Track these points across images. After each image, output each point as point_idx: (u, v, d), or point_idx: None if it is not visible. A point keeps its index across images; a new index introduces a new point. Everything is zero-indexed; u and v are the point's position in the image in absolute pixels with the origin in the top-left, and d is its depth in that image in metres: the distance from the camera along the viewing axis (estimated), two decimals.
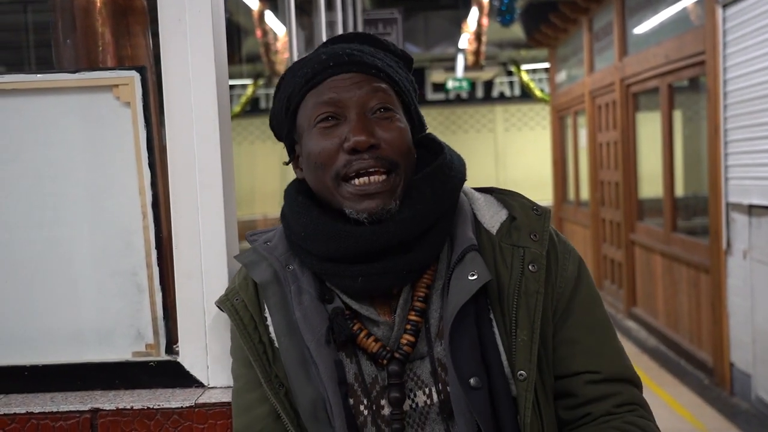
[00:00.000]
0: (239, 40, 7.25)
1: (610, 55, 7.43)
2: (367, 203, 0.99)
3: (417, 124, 1.09)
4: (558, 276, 1.07)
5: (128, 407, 1.28)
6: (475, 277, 0.98)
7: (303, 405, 1.02)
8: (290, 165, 1.15)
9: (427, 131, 1.14)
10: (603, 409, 1.03)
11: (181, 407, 1.28)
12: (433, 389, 1.02)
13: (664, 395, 4.99)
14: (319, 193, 1.05)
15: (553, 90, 10.49)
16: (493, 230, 1.07)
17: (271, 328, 1.06)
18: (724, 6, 4.58)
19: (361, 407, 1.03)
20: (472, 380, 0.96)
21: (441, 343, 1.02)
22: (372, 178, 0.99)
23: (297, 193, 1.08)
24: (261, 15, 6.61)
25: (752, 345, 4.47)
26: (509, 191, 1.15)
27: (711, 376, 5.10)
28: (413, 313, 1.02)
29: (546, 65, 11.75)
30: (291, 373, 1.03)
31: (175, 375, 1.35)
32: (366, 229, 0.99)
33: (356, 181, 0.99)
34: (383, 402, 1.03)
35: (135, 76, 1.33)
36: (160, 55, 1.30)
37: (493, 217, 1.09)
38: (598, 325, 1.08)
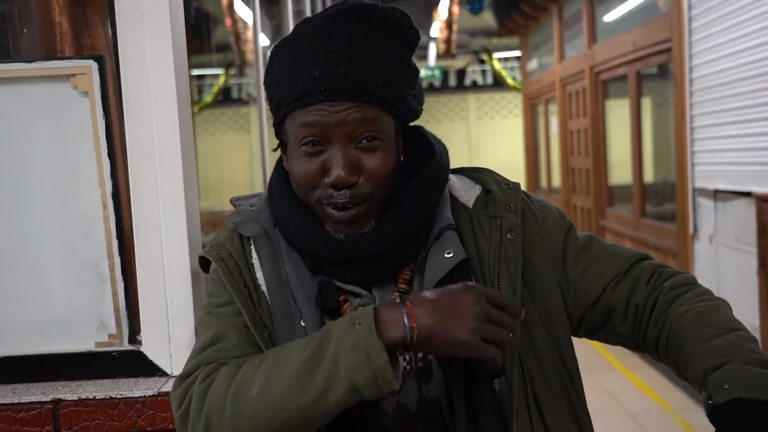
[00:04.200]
0: (209, 30, 7.18)
1: (579, 43, 7.49)
2: (343, 228, 1.04)
3: (410, 117, 1.10)
4: (543, 230, 1.14)
5: (91, 397, 1.28)
6: (451, 255, 1.05)
7: None
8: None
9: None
10: (642, 295, 1.12)
11: (144, 396, 1.28)
12: (414, 357, 1.07)
13: (634, 378, 5.07)
14: (302, 198, 1.09)
15: (525, 78, 10.54)
16: (470, 204, 1.13)
17: (258, 274, 1.09)
18: None
19: None
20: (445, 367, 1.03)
21: None
22: (346, 213, 1.03)
23: (288, 189, 1.11)
24: (230, 4, 6.55)
25: None
26: (480, 168, 1.21)
27: None
28: (397, 294, 1.07)
29: (518, 53, 11.80)
30: (277, 322, 1.06)
31: (138, 364, 1.35)
32: (353, 244, 1.05)
33: (333, 212, 1.04)
34: None
35: (92, 65, 1.32)
36: (117, 43, 1.30)
37: (468, 192, 1.15)
38: (590, 241, 1.17)
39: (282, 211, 1.10)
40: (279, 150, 1.15)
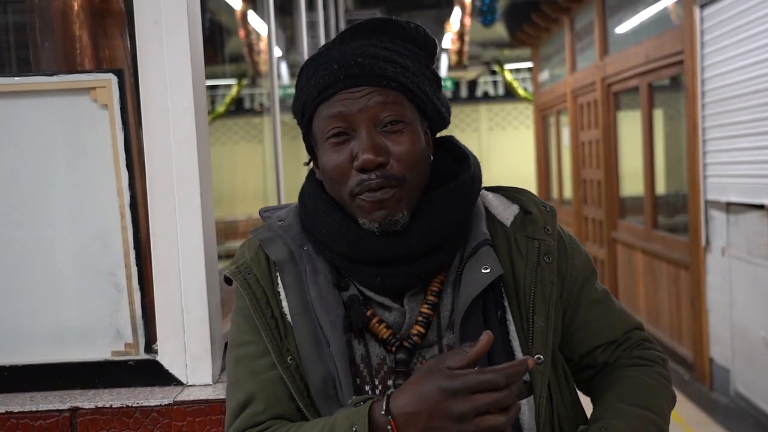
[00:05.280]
0: (222, 40, 7.24)
1: (591, 55, 7.49)
2: (377, 213, 1.02)
3: (436, 119, 1.10)
4: (568, 266, 1.13)
5: (107, 406, 1.30)
6: (488, 270, 1.03)
7: (314, 382, 1.05)
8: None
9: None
10: (615, 357, 1.17)
11: (160, 405, 1.30)
12: None
13: None
14: (335, 198, 1.09)
15: (536, 89, 10.55)
16: (507, 222, 1.12)
17: (284, 303, 1.08)
18: (702, 6, 4.63)
19: (366, 387, 1.06)
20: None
21: (451, 333, 1.06)
22: (380, 192, 1.02)
23: (322, 191, 1.10)
24: (244, 15, 6.60)
25: (731, 340, 4.53)
26: (517, 188, 1.19)
27: (691, 372, 5.17)
28: (426, 306, 1.06)
29: (529, 64, 11.81)
30: (303, 351, 1.05)
31: (154, 373, 1.37)
32: (384, 241, 1.03)
33: (367, 195, 1.02)
34: (390, 383, 1.06)
35: (112, 78, 1.34)
36: (137, 57, 1.32)
37: (506, 210, 1.14)
38: (604, 298, 1.18)
39: (313, 215, 1.09)
40: (311, 164, 1.15)
